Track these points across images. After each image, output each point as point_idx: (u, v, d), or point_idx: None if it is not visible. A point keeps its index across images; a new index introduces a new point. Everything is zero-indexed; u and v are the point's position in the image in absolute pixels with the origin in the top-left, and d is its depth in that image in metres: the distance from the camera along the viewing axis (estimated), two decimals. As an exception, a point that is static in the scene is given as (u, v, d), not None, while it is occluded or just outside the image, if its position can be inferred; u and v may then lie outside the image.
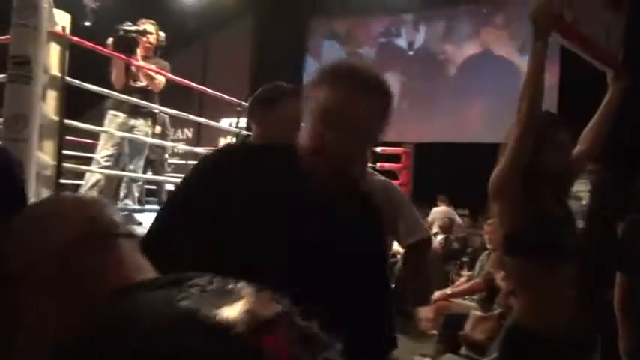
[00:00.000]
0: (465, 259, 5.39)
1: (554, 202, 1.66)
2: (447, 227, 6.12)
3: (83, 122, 3.86)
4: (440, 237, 5.92)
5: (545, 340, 1.56)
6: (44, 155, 2.81)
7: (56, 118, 2.90)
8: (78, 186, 4.17)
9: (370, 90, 1.07)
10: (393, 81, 10.82)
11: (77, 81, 3.13)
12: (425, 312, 3.95)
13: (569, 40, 1.71)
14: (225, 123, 6.21)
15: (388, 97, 1.12)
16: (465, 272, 4.41)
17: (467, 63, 10.23)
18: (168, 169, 5.09)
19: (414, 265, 2.26)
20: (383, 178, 2.37)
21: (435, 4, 10.26)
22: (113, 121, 3.87)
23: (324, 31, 11.68)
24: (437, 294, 3.66)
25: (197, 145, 7.78)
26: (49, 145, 2.89)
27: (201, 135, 9.29)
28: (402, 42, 10.76)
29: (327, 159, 1.03)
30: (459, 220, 7.17)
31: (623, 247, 2.08)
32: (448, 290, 3.72)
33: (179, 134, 9.60)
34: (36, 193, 2.76)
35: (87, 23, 8.06)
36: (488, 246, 3.84)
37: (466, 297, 3.75)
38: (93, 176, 3.77)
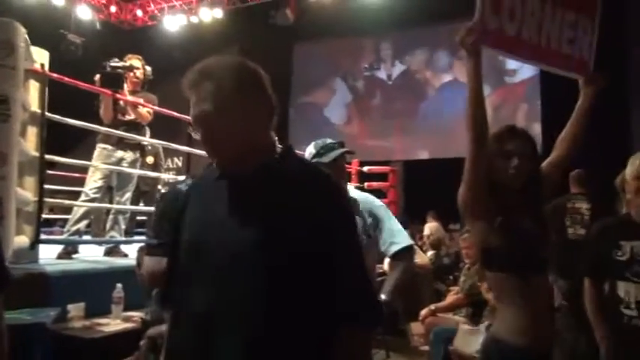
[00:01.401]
0: (457, 274, 5.37)
1: (525, 215, 1.64)
2: (435, 243, 6.11)
3: (74, 157, 3.91)
4: (430, 253, 5.92)
5: (521, 352, 1.56)
6: (25, 191, 2.83)
7: (37, 154, 2.93)
8: (65, 220, 4.18)
9: (192, 83, 1.11)
10: (377, 106, 11.43)
11: (58, 116, 3.17)
12: (417, 328, 3.94)
13: (512, 53, 1.74)
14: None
15: (213, 77, 1.09)
16: (455, 288, 4.40)
17: (443, 87, 10.87)
18: (161, 200, 5.09)
19: (400, 274, 2.27)
20: (363, 193, 2.42)
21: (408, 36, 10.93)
22: (101, 153, 3.92)
23: (310, 57, 11.94)
24: (423, 311, 3.65)
25: (188, 173, 7.79)
26: (30, 181, 2.91)
27: (192, 163, 9.34)
28: (382, 74, 11.59)
29: (210, 154, 1.12)
30: (441, 234, 7.20)
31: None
32: (432, 306, 3.71)
33: (169, 163, 9.64)
34: (17, 229, 2.78)
35: (70, 58, 8.17)
36: (465, 260, 3.86)
37: (455, 312, 3.74)
38: (80, 209, 3.79)
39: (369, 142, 10.83)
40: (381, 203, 2.40)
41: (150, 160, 4.69)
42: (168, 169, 8.39)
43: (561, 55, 1.82)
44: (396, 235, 2.22)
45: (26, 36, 2.78)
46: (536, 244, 1.63)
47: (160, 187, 4.95)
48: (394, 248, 2.20)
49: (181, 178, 3.71)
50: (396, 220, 2.32)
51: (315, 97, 12.01)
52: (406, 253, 2.24)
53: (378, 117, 11.37)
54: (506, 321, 1.62)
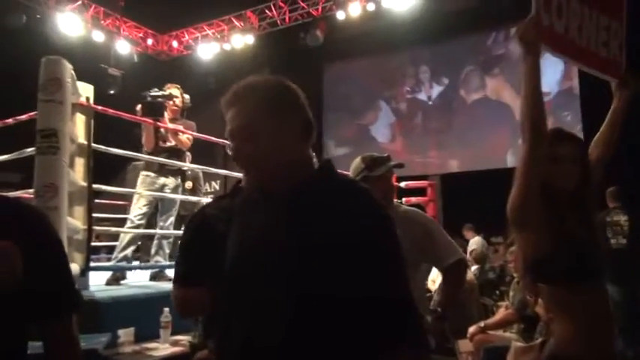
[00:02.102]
0: (503, 288, 5.19)
1: (577, 222, 1.57)
2: (479, 257, 5.90)
3: (112, 185, 4.03)
4: (474, 268, 5.74)
5: None
6: (75, 220, 2.92)
7: (85, 184, 3.02)
8: (112, 247, 4.28)
9: (228, 101, 1.11)
10: (418, 124, 11.44)
11: (103, 147, 3.28)
12: (465, 346, 3.81)
13: (560, 51, 1.69)
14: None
15: (247, 94, 1.10)
16: (503, 303, 4.24)
17: (474, 104, 10.86)
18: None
19: (453, 287, 2.26)
20: (411, 207, 2.39)
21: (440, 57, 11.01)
22: (144, 181, 4.04)
23: (341, 78, 12.01)
24: (472, 328, 3.51)
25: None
26: (80, 210, 3.00)
27: (228, 186, 9.49)
28: (422, 96, 11.59)
29: (244, 170, 1.11)
30: (484, 248, 7.02)
31: None
32: (482, 323, 3.56)
33: (207, 187, 9.81)
34: (68, 257, 2.85)
35: (112, 92, 8.49)
36: (514, 274, 3.71)
37: (505, 328, 3.59)
38: (127, 235, 3.88)
39: (408, 158, 10.79)
40: (428, 216, 2.38)
41: (189, 185, 4.79)
42: (206, 193, 8.55)
43: (599, 56, 1.81)
44: (447, 249, 2.19)
45: (72, 71, 2.90)
46: (589, 251, 1.56)
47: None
48: (446, 262, 2.17)
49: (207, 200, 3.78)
50: (447, 234, 2.29)
51: (355, 116, 11.98)
52: (459, 266, 2.21)
53: (417, 135, 11.38)
54: (563, 336, 1.55)
